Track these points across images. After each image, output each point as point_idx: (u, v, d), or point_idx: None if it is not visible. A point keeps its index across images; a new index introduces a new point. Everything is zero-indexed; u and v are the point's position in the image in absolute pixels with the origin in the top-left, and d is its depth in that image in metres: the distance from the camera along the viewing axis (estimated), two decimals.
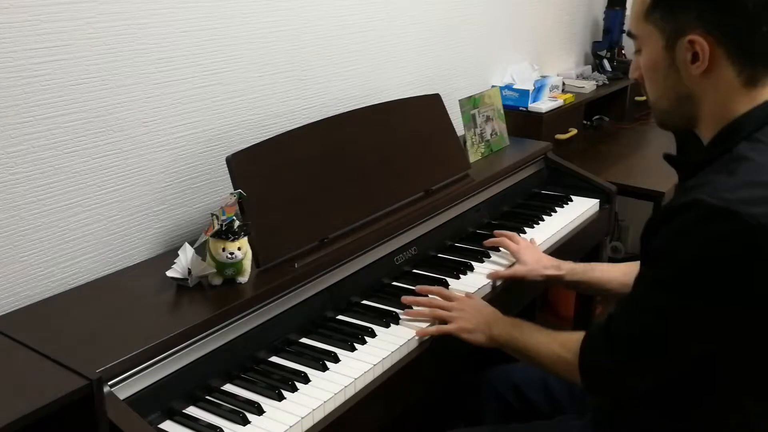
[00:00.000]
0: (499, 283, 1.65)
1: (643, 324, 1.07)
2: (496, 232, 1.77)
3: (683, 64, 1.08)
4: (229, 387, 1.25)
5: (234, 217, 1.30)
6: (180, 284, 1.33)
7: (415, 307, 1.47)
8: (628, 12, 3.05)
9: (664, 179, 2.25)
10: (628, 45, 3.16)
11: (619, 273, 1.51)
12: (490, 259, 1.73)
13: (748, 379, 1.08)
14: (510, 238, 1.73)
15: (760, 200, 0.97)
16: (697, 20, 1.04)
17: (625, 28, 3.07)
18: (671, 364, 1.09)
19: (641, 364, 1.09)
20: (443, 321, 1.42)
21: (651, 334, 1.06)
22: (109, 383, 1.06)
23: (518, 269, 1.63)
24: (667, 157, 1.21)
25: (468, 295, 1.52)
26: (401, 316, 1.45)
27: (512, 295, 1.67)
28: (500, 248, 1.75)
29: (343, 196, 1.56)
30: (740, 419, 1.10)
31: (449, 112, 1.93)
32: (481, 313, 1.42)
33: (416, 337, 1.38)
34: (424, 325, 1.42)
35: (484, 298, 1.58)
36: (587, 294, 2.19)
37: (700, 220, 0.98)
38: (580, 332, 1.20)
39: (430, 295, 1.52)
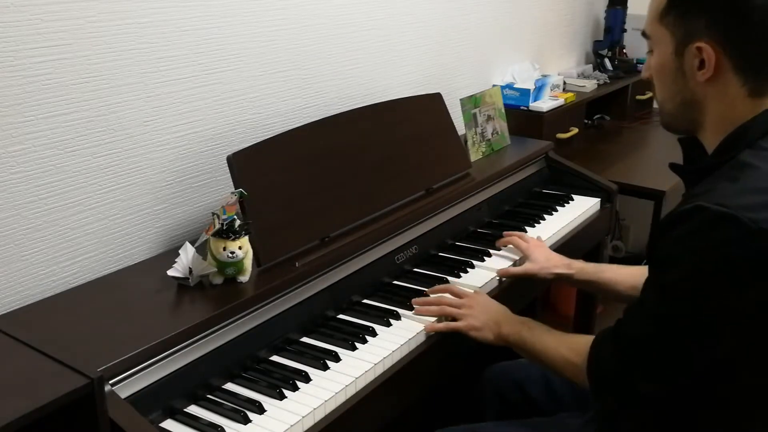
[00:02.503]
0: (505, 279, 1.65)
1: (650, 330, 1.07)
2: (506, 233, 1.77)
3: (690, 70, 1.09)
4: (230, 386, 1.25)
5: (235, 216, 1.30)
6: (181, 283, 1.33)
7: (423, 306, 1.47)
8: (629, 11, 3.05)
9: (665, 178, 2.25)
10: (629, 44, 3.16)
11: (629, 275, 1.50)
12: (491, 257, 1.73)
13: (753, 383, 1.08)
14: (520, 237, 1.73)
15: (762, 206, 0.97)
16: (706, 28, 1.05)
17: (629, 25, 3.07)
18: (678, 372, 1.08)
19: (649, 370, 1.09)
20: (452, 319, 1.42)
21: (658, 341, 1.06)
22: (110, 382, 1.06)
23: (529, 267, 1.63)
24: (673, 167, 1.21)
25: (476, 292, 1.52)
26: (405, 314, 1.45)
27: (516, 292, 1.67)
28: (503, 247, 1.75)
29: (344, 194, 1.56)
30: (746, 422, 1.10)
31: (450, 111, 1.93)
32: (490, 310, 1.42)
33: (417, 336, 1.38)
34: (427, 321, 1.42)
35: (490, 294, 1.57)
36: (595, 294, 2.19)
37: (702, 226, 0.99)
38: (589, 336, 1.21)
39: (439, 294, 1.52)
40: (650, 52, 1.17)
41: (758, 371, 1.06)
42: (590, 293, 2.21)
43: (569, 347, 1.24)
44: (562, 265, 1.61)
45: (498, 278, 1.64)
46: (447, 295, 1.50)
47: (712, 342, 1.04)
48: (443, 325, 1.41)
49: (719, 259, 0.98)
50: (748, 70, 1.06)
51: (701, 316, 1.02)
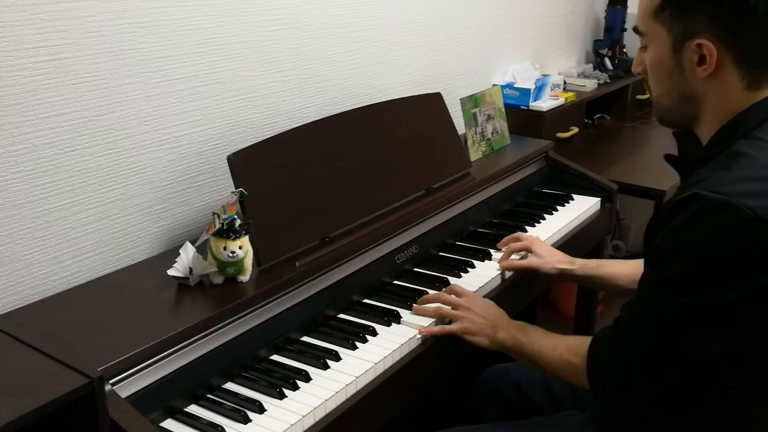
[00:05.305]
0: (508, 275, 1.64)
1: (650, 325, 1.07)
2: (501, 244, 1.74)
3: (689, 66, 1.08)
4: (230, 385, 1.25)
5: (235, 216, 1.30)
6: (181, 283, 1.33)
7: (422, 304, 1.46)
8: (629, 10, 3.05)
9: (665, 178, 2.25)
10: (630, 43, 3.16)
11: (630, 270, 1.50)
12: (492, 257, 1.73)
13: (752, 378, 1.07)
14: (517, 239, 1.71)
15: (758, 193, 0.97)
16: (706, 24, 1.04)
17: (630, 25, 3.07)
18: (679, 367, 1.07)
19: (649, 366, 1.08)
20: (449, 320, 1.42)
21: (658, 336, 1.06)
22: (110, 381, 1.06)
23: (533, 261, 1.63)
24: (668, 158, 1.21)
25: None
26: (406, 314, 1.45)
27: (517, 292, 1.67)
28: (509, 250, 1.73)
29: (344, 194, 1.56)
30: (743, 415, 1.10)
31: (450, 110, 1.93)
32: (487, 315, 1.40)
33: (418, 336, 1.38)
34: (426, 322, 1.42)
35: (491, 293, 1.58)
36: (597, 289, 2.19)
37: (699, 215, 0.99)
38: (587, 337, 1.20)
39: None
40: (643, 48, 1.16)
41: (761, 364, 1.05)
42: (591, 289, 2.21)
43: (567, 348, 1.23)
44: (564, 260, 1.62)
45: (500, 276, 1.63)
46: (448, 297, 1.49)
47: (713, 334, 1.03)
48: (438, 329, 1.40)
49: (717, 249, 0.98)
50: (748, 62, 1.05)
51: (702, 308, 1.01)
